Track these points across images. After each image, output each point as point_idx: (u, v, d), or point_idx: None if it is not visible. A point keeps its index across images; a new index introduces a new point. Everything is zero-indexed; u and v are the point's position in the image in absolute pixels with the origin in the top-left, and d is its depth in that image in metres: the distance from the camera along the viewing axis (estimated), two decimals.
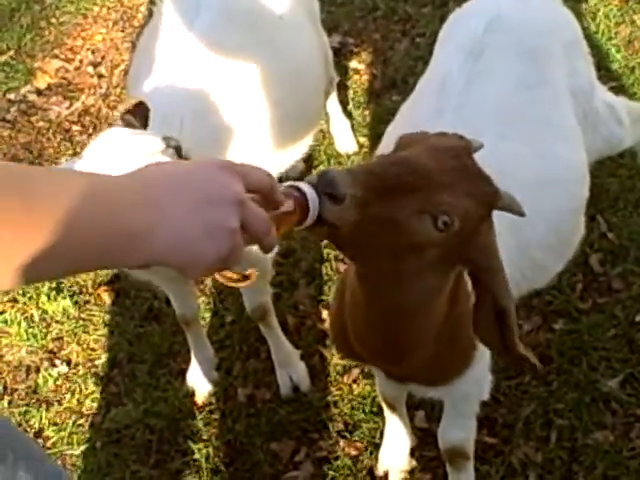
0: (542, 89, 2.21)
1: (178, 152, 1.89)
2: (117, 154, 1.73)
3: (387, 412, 2.53)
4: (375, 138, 3.48)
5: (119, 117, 1.90)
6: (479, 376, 2.10)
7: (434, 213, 1.38)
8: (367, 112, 3.72)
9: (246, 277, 1.29)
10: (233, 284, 1.30)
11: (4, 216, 0.91)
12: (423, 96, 2.28)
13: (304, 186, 1.22)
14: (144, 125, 1.93)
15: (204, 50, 2.41)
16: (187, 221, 1.03)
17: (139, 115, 1.92)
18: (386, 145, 2.28)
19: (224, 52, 2.46)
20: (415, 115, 2.25)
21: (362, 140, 3.59)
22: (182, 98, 2.29)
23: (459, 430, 2.21)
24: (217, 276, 1.22)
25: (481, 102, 2.13)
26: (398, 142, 1.48)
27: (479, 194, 1.45)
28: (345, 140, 3.55)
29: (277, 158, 2.60)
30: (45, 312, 3.19)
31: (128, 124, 1.88)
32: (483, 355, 2.07)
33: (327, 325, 2.91)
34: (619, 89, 3.48)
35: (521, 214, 1.55)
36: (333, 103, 3.50)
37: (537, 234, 2.09)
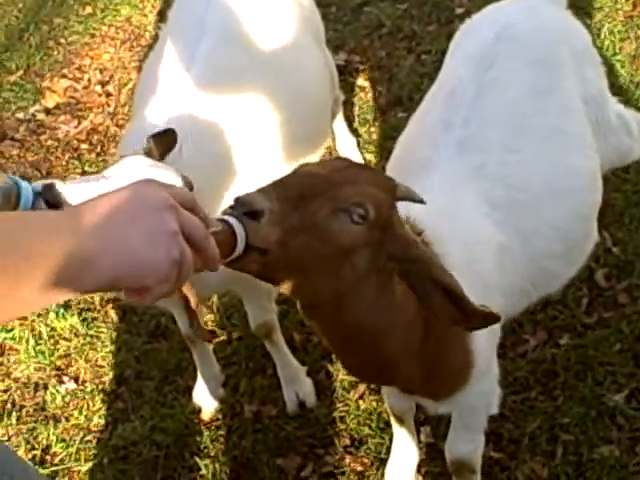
0: (553, 97, 2.21)
1: (190, 189, 1.87)
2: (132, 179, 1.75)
3: (395, 426, 2.53)
4: (381, 154, 3.51)
5: (145, 139, 1.91)
6: (487, 390, 2.10)
7: (347, 207, 1.43)
8: (373, 129, 3.74)
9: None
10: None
11: None
12: (433, 105, 2.27)
13: (225, 217, 1.29)
14: (162, 155, 1.95)
15: (208, 72, 2.40)
16: (128, 237, 1.08)
17: (163, 145, 1.94)
18: (397, 156, 2.30)
19: (229, 74, 2.47)
20: (425, 124, 2.24)
21: (368, 157, 3.61)
22: (184, 122, 2.25)
23: (466, 443, 2.21)
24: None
25: (491, 112, 2.13)
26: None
27: (380, 182, 1.51)
28: (351, 158, 3.55)
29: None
30: (53, 329, 3.21)
31: (147, 152, 1.89)
32: (489, 370, 2.08)
33: None
34: (624, 104, 3.48)
35: (421, 202, 1.58)
36: (339, 121, 3.51)
37: (547, 243, 2.09)
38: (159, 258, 1.09)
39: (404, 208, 1.66)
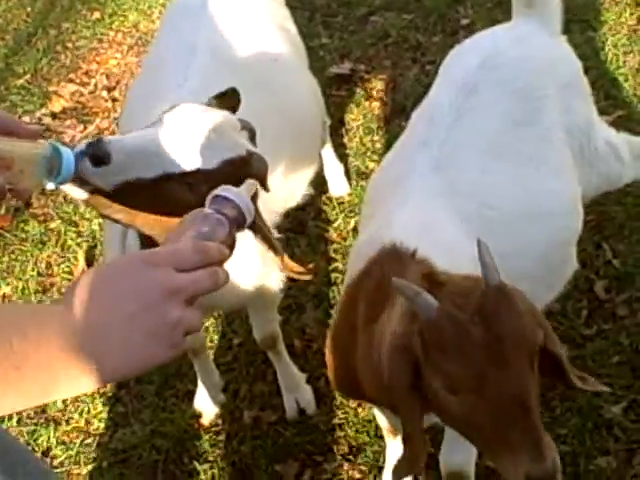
0: (531, 127, 2.23)
1: (252, 137, 1.75)
2: (194, 127, 1.60)
3: (389, 438, 2.55)
4: None
5: (207, 100, 1.77)
6: None
7: None
8: (377, 138, 3.75)
9: (310, 270, 1.51)
10: (299, 277, 1.54)
11: None
12: (414, 127, 2.31)
13: (228, 194, 1.27)
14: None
15: (201, 89, 2.23)
16: (127, 338, 1.03)
17: (226, 105, 1.79)
18: (377, 174, 2.34)
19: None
20: (404, 145, 2.29)
21: (372, 166, 3.62)
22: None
23: (460, 453, 2.22)
24: (284, 270, 1.43)
25: (468, 136, 2.16)
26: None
27: None
28: (338, 184, 3.54)
29: (273, 203, 2.48)
30: None
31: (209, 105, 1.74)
32: None
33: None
34: (627, 118, 3.51)
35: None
36: (327, 148, 3.48)
37: (523, 264, 2.09)
38: (161, 352, 1.06)
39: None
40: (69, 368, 1.00)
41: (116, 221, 1.61)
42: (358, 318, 1.89)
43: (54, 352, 0.99)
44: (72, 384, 1.02)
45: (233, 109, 1.78)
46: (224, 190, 1.29)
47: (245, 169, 1.57)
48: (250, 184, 1.37)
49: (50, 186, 1.39)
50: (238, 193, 1.29)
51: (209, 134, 1.55)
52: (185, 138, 1.54)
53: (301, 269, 1.62)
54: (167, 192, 1.51)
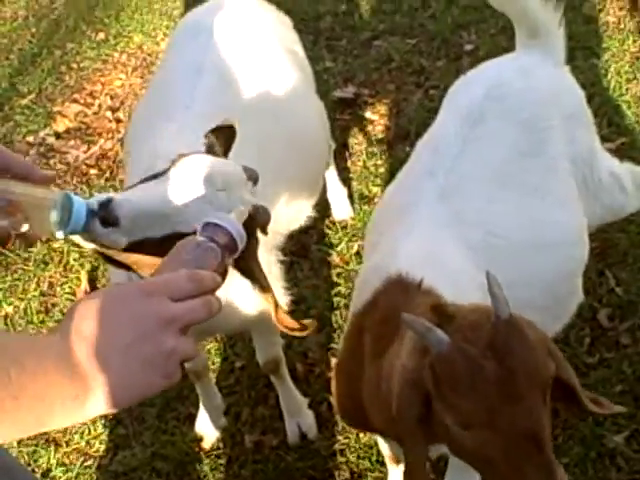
0: (537, 158, 2.24)
1: (255, 183, 1.73)
2: (199, 182, 1.58)
3: (391, 466, 2.54)
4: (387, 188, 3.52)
5: (204, 135, 1.76)
6: None
7: None
8: (380, 162, 3.76)
9: (304, 327, 1.48)
10: (292, 333, 1.50)
11: None
12: (419, 156, 2.32)
13: (219, 221, 1.29)
14: (226, 152, 1.79)
15: (207, 111, 2.30)
16: (125, 368, 1.05)
17: (223, 139, 1.79)
18: (383, 202, 2.34)
19: (228, 115, 2.45)
20: (410, 174, 2.30)
21: (375, 190, 3.63)
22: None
23: None
24: (277, 324, 1.40)
25: (474, 167, 2.17)
26: None
27: None
28: (341, 208, 3.55)
29: (277, 224, 2.52)
30: None
31: (209, 147, 1.72)
32: None
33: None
34: (630, 145, 3.52)
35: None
36: (331, 171, 3.48)
37: (530, 293, 2.10)
38: (156, 382, 1.08)
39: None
40: (65, 399, 1.01)
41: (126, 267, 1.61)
42: (364, 349, 1.89)
43: (51, 383, 1.00)
44: (67, 415, 1.03)
45: (229, 143, 1.79)
46: (215, 217, 1.30)
47: (251, 223, 1.58)
48: (240, 211, 1.37)
49: (60, 235, 1.38)
50: (229, 220, 1.30)
51: (219, 194, 1.56)
52: (194, 197, 1.54)
53: (295, 325, 1.60)
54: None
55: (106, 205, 1.46)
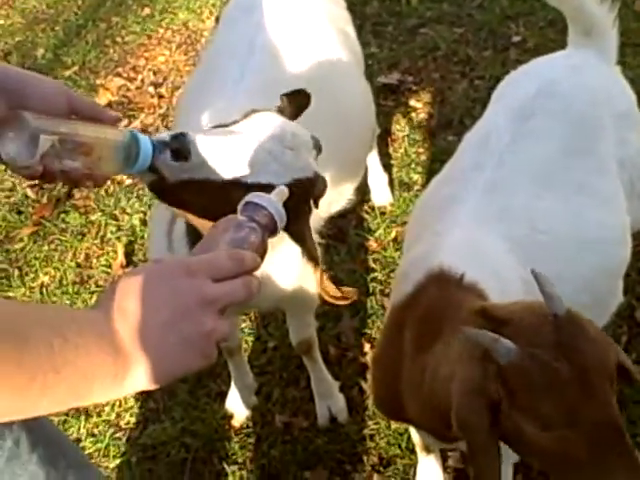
0: (586, 157, 2.22)
1: (319, 152, 1.72)
2: (269, 136, 1.56)
3: (421, 455, 2.53)
4: (428, 176, 3.51)
5: (280, 96, 1.73)
6: None
7: None
8: (422, 150, 3.74)
9: (347, 296, 1.47)
10: (335, 302, 1.49)
11: None
12: (467, 148, 2.31)
13: (260, 201, 1.28)
14: (294, 116, 1.75)
15: (257, 87, 2.31)
16: (164, 346, 1.05)
17: (295, 105, 1.75)
18: (429, 192, 2.32)
19: (277, 92, 2.44)
20: (457, 164, 2.29)
21: (415, 177, 3.62)
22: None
23: None
24: (321, 292, 1.41)
25: (522, 162, 2.15)
26: None
27: None
28: (381, 193, 3.54)
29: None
30: None
31: (281, 109, 1.69)
32: None
33: (368, 359, 2.92)
34: None
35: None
36: (373, 156, 3.47)
37: (571, 290, 2.08)
38: (194, 361, 1.08)
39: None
40: (106, 377, 1.01)
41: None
42: (404, 343, 1.87)
43: (93, 360, 1.00)
44: (105, 392, 1.03)
45: (299, 110, 1.76)
46: (256, 197, 1.29)
47: (309, 190, 1.56)
48: (281, 190, 1.36)
49: (129, 172, 1.40)
50: (270, 200, 1.29)
51: (287, 151, 1.54)
52: (264, 151, 1.52)
53: (337, 293, 1.57)
54: (229, 197, 1.49)
55: (181, 138, 1.44)
